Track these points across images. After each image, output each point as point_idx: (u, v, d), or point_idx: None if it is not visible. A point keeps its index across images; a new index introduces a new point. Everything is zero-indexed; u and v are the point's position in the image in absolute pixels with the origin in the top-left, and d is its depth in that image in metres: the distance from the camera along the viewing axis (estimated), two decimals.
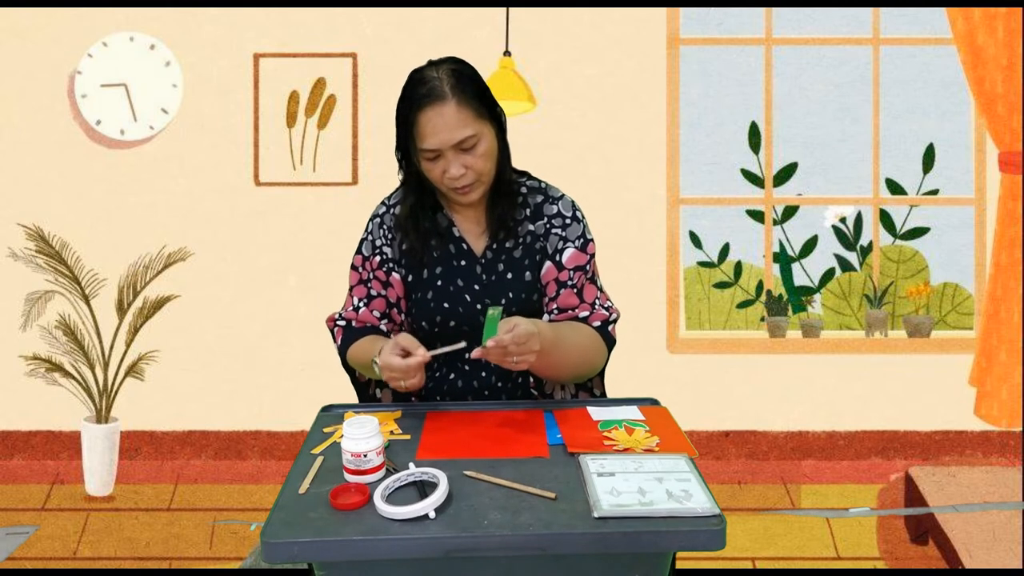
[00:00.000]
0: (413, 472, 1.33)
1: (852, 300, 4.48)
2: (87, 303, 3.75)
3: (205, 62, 3.90)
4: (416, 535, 1.19)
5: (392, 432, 1.59)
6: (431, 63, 1.75)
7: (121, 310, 3.77)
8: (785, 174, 4.14)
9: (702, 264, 4.32)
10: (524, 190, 1.86)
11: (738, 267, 4.31)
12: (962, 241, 4.14)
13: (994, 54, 3.69)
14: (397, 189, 1.89)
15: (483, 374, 1.84)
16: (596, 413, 1.66)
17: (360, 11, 3.89)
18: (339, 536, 1.19)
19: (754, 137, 4.11)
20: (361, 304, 1.87)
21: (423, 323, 1.83)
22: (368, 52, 3.89)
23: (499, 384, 1.84)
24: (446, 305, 1.81)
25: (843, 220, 4.13)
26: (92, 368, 3.73)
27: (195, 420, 3.97)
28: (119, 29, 3.86)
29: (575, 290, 1.82)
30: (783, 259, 4.16)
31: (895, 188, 4.13)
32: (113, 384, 3.73)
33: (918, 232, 4.18)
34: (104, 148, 3.92)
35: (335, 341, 1.89)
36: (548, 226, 1.84)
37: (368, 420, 1.37)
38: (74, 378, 3.71)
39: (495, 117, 1.76)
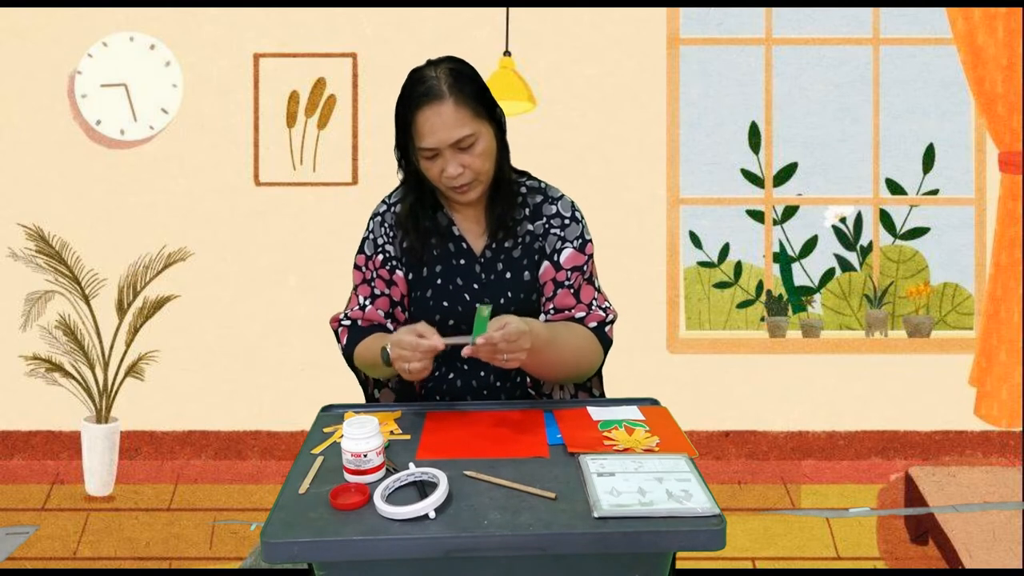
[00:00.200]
0: (413, 472, 1.33)
1: (852, 300, 4.48)
2: (87, 303, 3.75)
3: (205, 62, 3.90)
4: (416, 535, 1.19)
5: (392, 432, 1.59)
6: (430, 62, 1.75)
7: (121, 310, 3.77)
8: (785, 174, 4.14)
9: (702, 264, 4.32)
10: (524, 190, 1.86)
11: (738, 267, 4.31)
12: (962, 241, 4.14)
13: (994, 54, 3.69)
14: (398, 188, 1.89)
15: (482, 374, 1.84)
16: (596, 413, 1.66)
17: (360, 11, 3.89)
18: (339, 536, 1.19)
19: (754, 137, 4.11)
20: (367, 303, 1.86)
21: (423, 321, 1.83)
22: (368, 52, 3.89)
23: (498, 384, 1.84)
24: (445, 304, 1.81)
25: (843, 220, 4.13)
26: (92, 368, 3.73)
27: (195, 420, 3.97)
28: (119, 29, 3.86)
29: (572, 290, 1.82)
30: (783, 259, 4.16)
31: (895, 188, 4.13)
32: (113, 384, 3.73)
33: (918, 232, 4.18)
34: (104, 148, 3.92)
35: (339, 342, 1.88)
36: (547, 226, 1.84)
37: (368, 420, 1.37)
38: (74, 378, 3.71)
39: (494, 117, 1.76)
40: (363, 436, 1.35)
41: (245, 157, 3.92)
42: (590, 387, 1.93)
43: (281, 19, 3.90)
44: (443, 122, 1.68)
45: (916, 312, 4.02)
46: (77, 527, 3.31)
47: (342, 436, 1.38)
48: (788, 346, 3.96)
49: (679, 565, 1.55)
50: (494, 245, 1.83)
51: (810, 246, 4.19)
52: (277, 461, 3.94)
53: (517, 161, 1.88)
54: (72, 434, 3.91)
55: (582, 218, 1.87)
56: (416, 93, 1.70)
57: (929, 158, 4.14)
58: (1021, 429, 3.85)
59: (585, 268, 1.84)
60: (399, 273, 1.85)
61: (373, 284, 1.86)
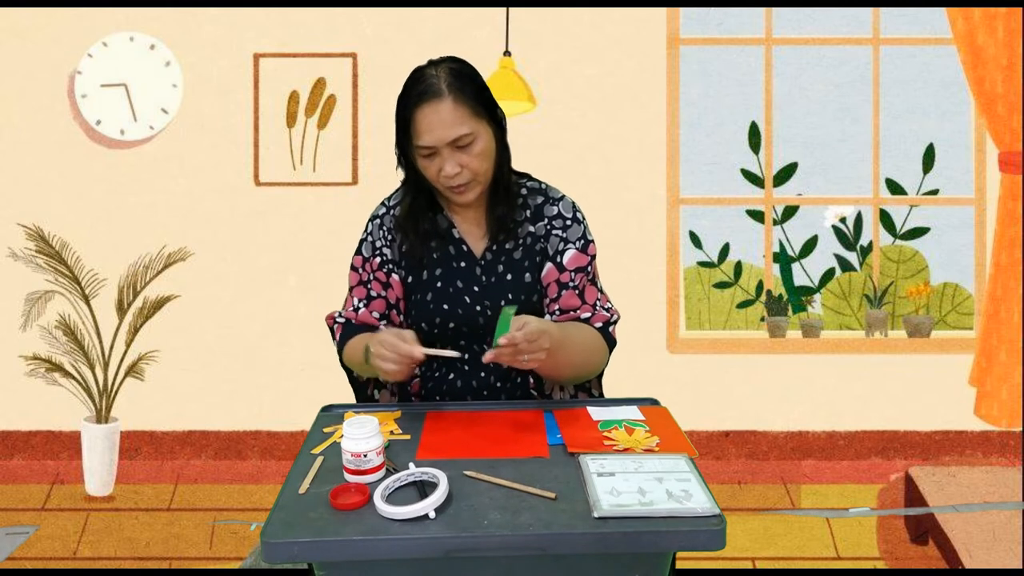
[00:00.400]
0: (413, 472, 1.33)
1: (852, 300, 4.48)
2: (87, 303, 3.75)
3: (205, 62, 3.90)
4: (416, 535, 1.19)
5: (392, 432, 1.59)
6: (431, 62, 1.75)
7: (121, 310, 3.77)
8: (785, 174, 4.14)
9: (702, 264, 4.32)
10: (524, 191, 1.86)
11: (738, 267, 4.31)
12: (962, 241, 4.14)
13: (994, 54, 3.69)
14: (397, 190, 1.89)
15: (483, 374, 1.84)
16: (596, 413, 1.66)
17: (360, 11, 3.89)
18: (339, 536, 1.19)
19: (754, 137, 4.11)
20: (361, 305, 1.87)
21: (423, 324, 1.83)
22: (368, 52, 3.89)
23: (499, 384, 1.84)
24: (446, 306, 1.81)
25: (843, 220, 4.13)
26: (92, 368, 3.73)
27: (195, 420, 3.97)
28: (119, 29, 3.86)
29: (576, 291, 1.82)
30: (783, 259, 4.16)
31: (895, 188, 4.13)
32: (113, 384, 3.73)
33: (918, 232, 4.18)
34: (104, 148, 3.92)
35: (334, 338, 1.89)
36: (548, 227, 1.84)
37: (368, 420, 1.37)
38: (74, 378, 3.71)
39: (494, 117, 1.76)
40: (363, 436, 1.35)
41: (245, 157, 3.92)
42: (589, 387, 1.93)
43: (281, 19, 3.90)
44: (441, 120, 1.68)
45: (916, 312, 4.02)
46: (77, 527, 3.31)
47: (342, 436, 1.38)
48: (788, 346, 3.96)
49: (679, 565, 1.55)
50: (494, 247, 1.83)
51: (810, 246, 4.19)
52: (277, 461, 3.94)
53: (517, 161, 1.88)
54: (72, 434, 3.91)
55: (583, 219, 1.86)
56: (415, 91, 1.70)
57: (929, 158, 4.14)
58: (1021, 429, 3.85)
59: (588, 269, 1.84)
60: (396, 276, 1.85)
61: (369, 286, 1.86)
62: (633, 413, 1.66)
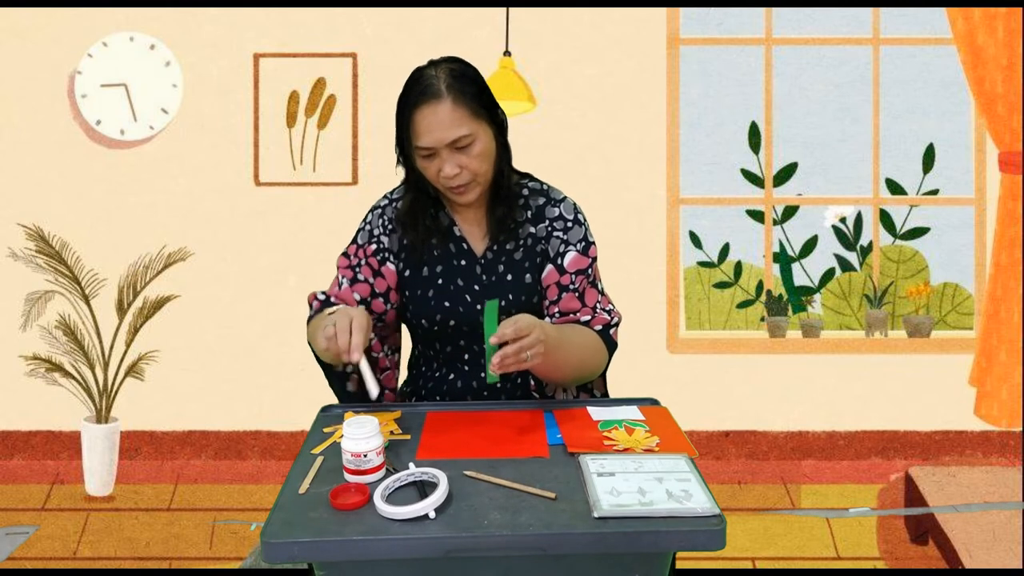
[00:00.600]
0: (413, 472, 1.33)
1: (852, 300, 4.48)
2: (87, 303, 3.75)
3: (205, 62, 3.90)
4: (416, 535, 1.19)
5: (392, 432, 1.59)
6: (431, 62, 1.75)
7: (121, 310, 3.77)
8: (785, 174, 4.14)
9: (702, 264, 4.32)
10: (526, 192, 1.86)
11: (738, 267, 4.31)
12: (962, 241, 4.14)
13: (994, 54, 3.69)
14: (399, 186, 1.88)
15: (482, 374, 1.84)
16: (596, 413, 1.66)
17: (360, 11, 3.89)
18: (339, 536, 1.19)
19: (754, 137, 4.11)
20: (345, 282, 1.84)
21: (422, 321, 1.83)
22: (368, 52, 3.89)
23: (499, 384, 1.84)
24: (446, 304, 1.81)
25: (843, 220, 4.13)
26: (92, 368, 3.73)
27: (195, 420, 3.97)
28: (119, 29, 3.86)
29: (576, 294, 1.81)
30: (783, 259, 4.16)
31: (895, 188, 4.13)
32: (113, 384, 3.73)
33: (918, 232, 4.18)
34: (104, 148, 3.92)
35: (309, 314, 1.85)
36: (550, 229, 1.83)
37: (368, 420, 1.37)
38: (74, 378, 3.71)
39: (494, 118, 1.75)
40: (363, 436, 1.35)
41: (245, 157, 3.92)
42: (591, 387, 1.93)
43: (281, 19, 3.90)
44: (439, 121, 1.67)
45: (916, 312, 4.02)
46: (77, 527, 3.31)
47: (342, 436, 1.38)
48: (788, 346, 3.96)
49: (679, 565, 1.55)
50: (495, 247, 1.83)
51: (810, 246, 4.19)
52: (277, 461, 3.94)
53: (517, 161, 1.88)
54: (72, 434, 3.91)
55: (585, 220, 1.86)
56: (415, 92, 1.70)
57: (929, 158, 4.14)
58: (1021, 429, 3.85)
59: (589, 271, 1.83)
60: (389, 266, 1.84)
61: (357, 270, 1.84)
62: (633, 413, 1.66)
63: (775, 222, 4.13)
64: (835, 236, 4.17)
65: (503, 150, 1.79)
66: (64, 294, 3.83)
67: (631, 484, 1.30)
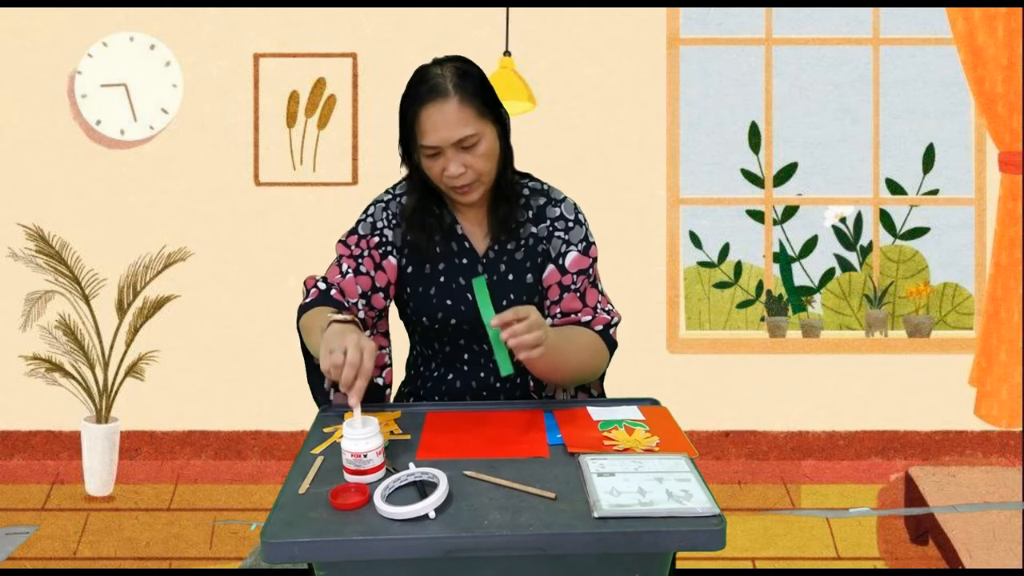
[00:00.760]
0: (413, 472, 1.33)
1: (852, 300, 4.48)
2: (87, 303, 3.75)
3: (205, 62, 3.90)
4: (416, 535, 1.19)
5: (392, 432, 1.59)
6: (435, 61, 1.74)
7: (121, 310, 3.77)
8: (785, 174, 4.14)
9: (702, 264, 4.32)
10: (526, 192, 1.86)
11: (738, 267, 4.31)
12: (962, 241, 4.14)
13: (994, 54, 3.69)
14: (401, 181, 1.87)
15: (482, 375, 1.84)
16: (596, 413, 1.65)
17: (360, 11, 3.89)
18: (339, 536, 1.19)
19: (754, 137, 4.11)
20: (349, 272, 1.80)
21: (423, 319, 1.82)
22: (368, 52, 3.89)
23: (498, 385, 1.84)
24: (449, 302, 1.81)
25: (843, 220, 4.13)
26: (92, 368, 3.73)
27: (195, 420, 3.97)
28: (119, 29, 3.86)
29: (578, 294, 1.81)
30: (783, 259, 4.16)
31: (895, 188, 4.13)
32: (113, 384, 3.73)
33: (918, 232, 4.18)
34: (104, 148, 3.92)
35: (305, 299, 1.79)
36: (551, 229, 1.83)
37: (368, 420, 1.37)
38: (74, 378, 3.71)
39: (498, 117, 1.75)
40: (363, 436, 1.35)
41: (245, 157, 3.92)
42: (588, 387, 1.93)
43: (281, 19, 3.90)
44: (446, 120, 1.67)
45: (916, 312, 4.02)
46: (77, 527, 3.31)
47: (342, 436, 1.38)
48: (788, 346, 3.96)
49: (679, 565, 1.55)
50: (496, 246, 1.83)
51: (810, 246, 4.19)
52: (277, 461, 3.94)
53: (517, 161, 1.88)
54: (72, 434, 3.91)
55: (585, 220, 1.86)
56: (421, 90, 1.68)
57: (929, 158, 4.14)
58: (1021, 429, 3.85)
59: (590, 271, 1.83)
60: (391, 260, 1.82)
61: (360, 260, 1.81)
62: (633, 413, 1.66)
63: (775, 222, 4.13)
64: (835, 236, 4.17)
65: (506, 150, 1.79)
66: (64, 294, 3.83)
67: (631, 484, 1.30)
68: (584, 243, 1.83)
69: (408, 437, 1.57)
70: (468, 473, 1.37)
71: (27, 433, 3.96)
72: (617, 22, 3.89)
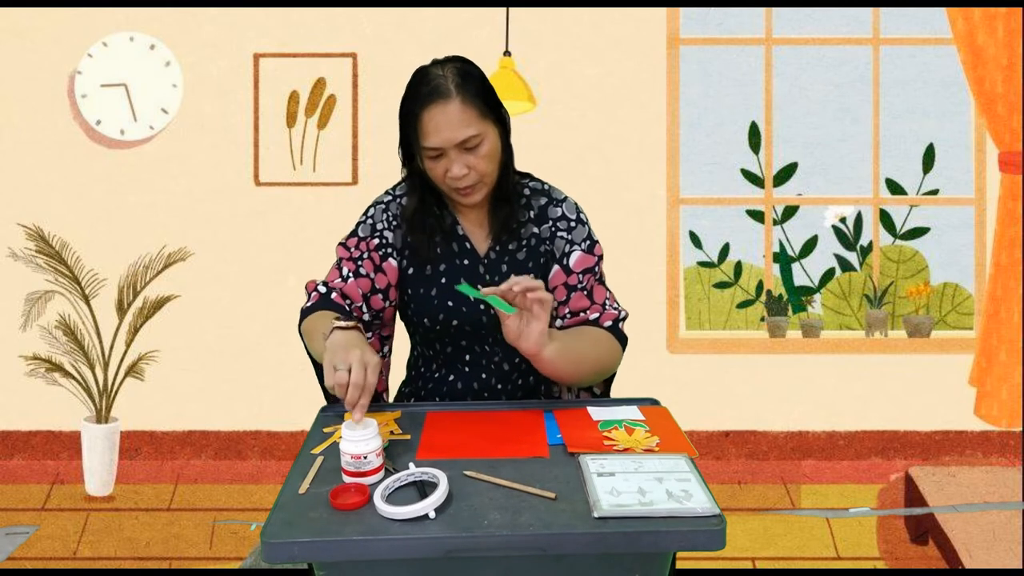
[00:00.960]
0: (413, 472, 1.33)
1: (852, 300, 4.48)
2: (87, 303, 3.75)
3: (205, 62, 3.90)
4: (416, 535, 1.19)
5: (392, 432, 1.59)
6: (436, 61, 1.73)
7: (121, 310, 3.77)
8: (785, 174, 4.14)
9: (702, 264, 4.32)
10: (527, 192, 1.85)
11: (738, 267, 4.31)
12: (962, 241, 4.14)
13: (994, 54, 3.69)
14: (401, 182, 1.87)
15: (483, 375, 1.84)
16: (596, 413, 1.65)
17: (360, 11, 3.89)
18: (339, 536, 1.19)
19: (754, 137, 4.12)
20: (350, 275, 1.80)
21: (424, 320, 1.82)
22: (368, 52, 3.89)
23: (499, 386, 1.84)
24: (449, 304, 1.80)
25: (843, 220, 4.13)
26: (92, 368, 3.73)
27: (195, 420, 3.97)
28: (119, 29, 3.86)
29: (585, 292, 1.81)
30: (783, 259, 4.16)
31: (895, 188, 4.13)
32: (113, 384, 3.73)
33: (918, 232, 4.18)
34: (104, 148, 3.92)
35: (305, 303, 1.81)
36: (553, 229, 1.83)
37: (367, 421, 1.37)
38: (74, 378, 3.71)
39: (500, 118, 1.75)
40: (362, 438, 1.35)
41: (245, 157, 3.92)
42: (591, 386, 1.93)
43: (281, 19, 3.90)
44: (449, 121, 1.66)
45: (916, 312, 4.02)
46: (77, 527, 3.31)
47: (341, 437, 1.38)
48: (788, 346, 3.96)
49: (679, 565, 1.55)
50: (498, 247, 1.83)
51: (810, 246, 4.19)
52: (277, 461, 3.94)
53: (517, 161, 1.88)
54: (72, 434, 3.91)
55: (587, 219, 1.86)
56: (422, 91, 1.68)
57: (929, 158, 4.14)
58: (1021, 429, 3.85)
59: (596, 269, 1.83)
60: (391, 262, 1.82)
61: (360, 263, 1.81)
62: (633, 413, 1.66)
63: (775, 222, 4.13)
64: (835, 236, 4.17)
65: (507, 150, 1.79)
66: (64, 294, 3.83)
67: (631, 484, 1.30)
68: (588, 242, 1.83)
69: (408, 437, 1.57)
70: (468, 473, 1.37)
71: (27, 433, 3.96)
72: (617, 22, 3.89)
